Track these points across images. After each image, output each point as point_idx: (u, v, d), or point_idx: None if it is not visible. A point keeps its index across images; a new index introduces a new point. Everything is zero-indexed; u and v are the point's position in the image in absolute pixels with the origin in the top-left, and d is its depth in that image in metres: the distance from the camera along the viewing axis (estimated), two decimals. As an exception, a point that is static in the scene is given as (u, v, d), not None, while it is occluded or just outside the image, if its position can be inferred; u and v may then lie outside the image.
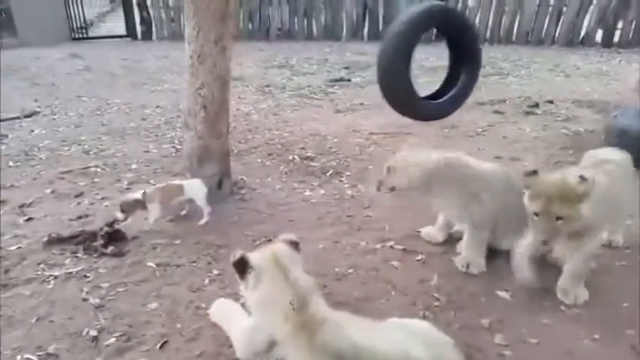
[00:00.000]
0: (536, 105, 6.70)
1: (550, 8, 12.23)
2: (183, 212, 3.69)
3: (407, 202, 3.64)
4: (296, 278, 1.96)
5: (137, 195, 3.41)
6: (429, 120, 4.80)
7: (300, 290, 1.92)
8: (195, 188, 3.57)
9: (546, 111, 6.50)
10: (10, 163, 4.78)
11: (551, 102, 6.86)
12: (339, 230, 3.50)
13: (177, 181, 3.67)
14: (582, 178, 2.34)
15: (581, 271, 2.67)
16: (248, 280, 2.02)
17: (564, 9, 12.07)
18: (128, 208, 3.36)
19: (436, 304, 2.66)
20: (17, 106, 6.89)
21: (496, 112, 6.53)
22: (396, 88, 4.22)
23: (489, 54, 11.21)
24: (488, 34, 12.92)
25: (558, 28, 12.28)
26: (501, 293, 2.74)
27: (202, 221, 3.56)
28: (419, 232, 3.40)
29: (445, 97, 4.52)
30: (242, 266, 2.01)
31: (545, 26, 12.39)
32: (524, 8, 12.42)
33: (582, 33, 12.13)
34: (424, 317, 2.51)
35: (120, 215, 3.33)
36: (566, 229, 2.42)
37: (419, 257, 3.12)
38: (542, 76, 8.91)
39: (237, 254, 2.03)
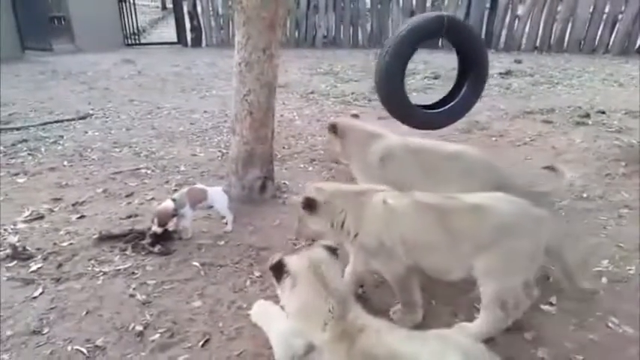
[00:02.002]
0: (587, 115, 6.50)
1: (604, 15, 11.84)
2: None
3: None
4: (335, 285, 1.96)
5: (168, 203, 3.43)
6: (425, 129, 4.76)
7: (339, 298, 1.92)
8: (217, 196, 3.62)
9: (598, 122, 6.28)
10: (65, 163, 5.00)
11: (603, 112, 6.63)
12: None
13: (201, 186, 3.73)
14: None
15: (398, 294, 2.58)
16: (284, 285, 2.02)
17: (620, 16, 11.67)
18: (163, 217, 3.37)
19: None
20: (73, 109, 7.21)
21: (545, 121, 6.37)
22: (389, 95, 4.24)
23: (539, 62, 10.96)
24: (538, 42, 12.63)
25: (613, 36, 11.88)
26: (545, 307, 2.68)
27: (228, 228, 3.62)
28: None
29: (444, 108, 4.48)
30: (279, 271, 2.02)
31: (599, 34, 12.02)
32: (577, 15, 12.08)
33: (638, 41, 11.69)
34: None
35: (157, 228, 3.34)
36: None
37: (460, 267, 3.08)
38: (594, 85, 8.63)
39: (274, 258, 2.03)
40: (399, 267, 2.49)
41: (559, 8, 12.27)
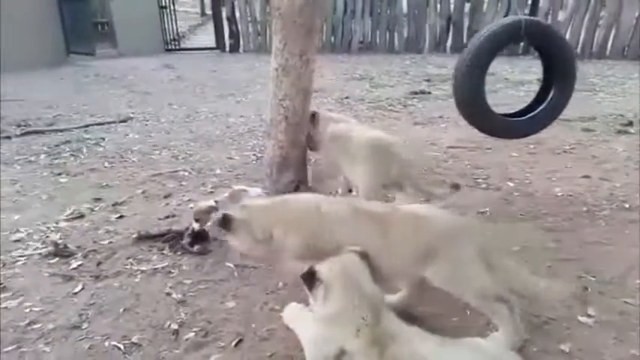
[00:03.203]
0: (630, 123, 6.30)
1: (650, 21, 11.50)
2: None
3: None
4: (367, 292, 1.95)
5: (210, 202, 3.51)
6: (508, 138, 4.67)
7: (372, 305, 1.92)
8: (257, 196, 3.67)
9: (641, 130, 6.10)
10: (106, 164, 5.15)
11: (646, 121, 6.43)
12: (414, 243, 3.46)
13: (242, 187, 3.77)
14: None
15: None
16: (317, 293, 2.03)
17: (667, 22, 11.32)
18: (202, 215, 3.43)
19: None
20: (114, 112, 7.43)
21: (585, 129, 6.21)
22: (469, 103, 4.16)
23: (580, 69, 10.65)
24: (579, 48, 12.34)
25: (659, 43, 11.51)
26: (583, 319, 2.61)
27: None
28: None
29: (527, 116, 4.37)
30: (311, 279, 2.02)
31: (645, 41, 11.66)
32: (621, 22, 11.75)
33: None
34: (499, 339, 2.43)
35: (195, 225, 3.41)
36: None
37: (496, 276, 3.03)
38: (638, 92, 8.36)
39: (305, 267, 2.03)
40: None
41: (602, 14, 11.95)
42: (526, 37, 4.03)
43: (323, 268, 2.05)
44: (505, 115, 4.42)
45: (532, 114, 4.35)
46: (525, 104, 4.57)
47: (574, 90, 4.33)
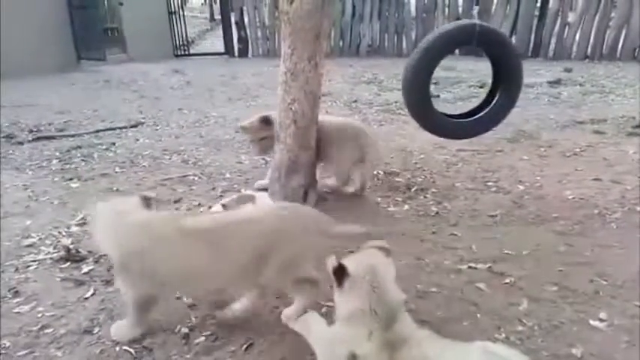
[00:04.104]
0: (641, 125, 6.26)
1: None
2: None
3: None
4: (386, 293, 1.93)
5: (217, 208, 3.49)
6: (454, 138, 4.75)
7: (388, 306, 1.91)
8: (264, 201, 3.66)
9: (653, 132, 6.05)
10: (117, 169, 5.18)
11: (658, 123, 6.38)
12: (423, 247, 3.45)
13: (249, 191, 3.79)
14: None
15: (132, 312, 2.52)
16: (344, 289, 2.01)
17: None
18: None
19: (523, 329, 2.56)
20: (124, 117, 7.48)
21: (596, 132, 6.17)
22: (415, 103, 4.27)
23: (590, 71, 10.65)
24: (589, 50, 12.26)
25: (671, 44, 11.42)
26: (595, 323, 2.59)
27: None
28: (508, 253, 3.30)
29: (475, 117, 4.43)
30: (341, 274, 1.99)
31: (656, 42, 11.56)
32: (631, 23, 11.66)
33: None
34: (510, 343, 2.42)
35: None
36: None
37: (507, 280, 3.00)
38: (649, 94, 8.31)
39: (334, 261, 2.01)
40: (143, 291, 2.46)
41: (612, 15, 11.87)
42: (477, 41, 4.09)
43: (351, 264, 2.02)
44: (450, 115, 4.51)
45: (479, 115, 4.43)
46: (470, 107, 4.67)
47: (518, 97, 4.39)
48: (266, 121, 4.29)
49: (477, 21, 4.12)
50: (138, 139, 6.35)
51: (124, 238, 2.41)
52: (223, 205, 3.49)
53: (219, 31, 16.34)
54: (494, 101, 4.37)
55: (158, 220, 2.48)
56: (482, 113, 4.41)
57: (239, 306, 2.62)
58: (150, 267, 2.36)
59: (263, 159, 5.43)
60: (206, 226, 2.40)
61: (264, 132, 4.32)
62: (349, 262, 2.03)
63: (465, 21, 4.25)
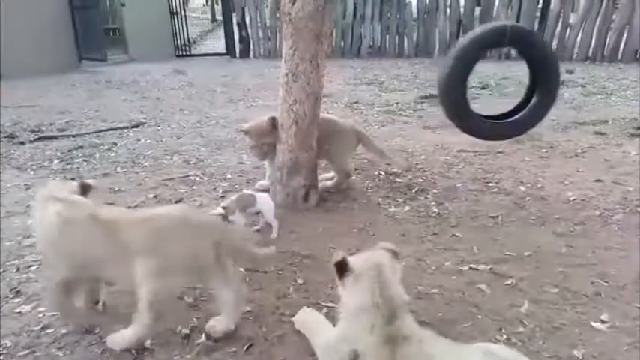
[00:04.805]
0: (643, 127, 6.25)
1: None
2: (256, 228, 3.77)
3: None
4: (390, 290, 1.95)
5: (219, 210, 3.51)
6: (492, 140, 4.76)
7: (392, 303, 1.91)
8: (264, 202, 3.68)
9: (654, 134, 6.04)
10: (118, 170, 5.19)
11: (660, 124, 6.37)
12: (423, 248, 3.45)
13: (249, 191, 3.80)
14: None
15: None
16: (346, 283, 2.03)
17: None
18: None
19: (524, 330, 2.55)
20: (126, 117, 7.49)
21: (597, 133, 6.17)
22: (452, 105, 4.27)
23: (591, 72, 10.64)
24: (590, 51, 12.26)
25: (672, 46, 11.41)
26: (596, 324, 2.59)
27: (273, 234, 3.64)
28: (509, 254, 3.30)
29: (512, 119, 4.44)
30: (342, 268, 2.02)
31: (657, 43, 11.55)
32: (633, 25, 11.65)
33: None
34: (511, 344, 2.42)
35: None
36: None
37: (509, 281, 3.00)
38: (650, 96, 8.30)
39: (339, 255, 2.04)
40: (59, 276, 2.53)
41: (613, 17, 11.87)
42: (510, 42, 4.09)
43: (355, 260, 2.05)
44: (487, 117, 4.51)
45: (516, 117, 4.44)
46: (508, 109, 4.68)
47: (557, 96, 4.41)
48: (274, 124, 4.13)
49: (508, 22, 4.13)
50: (139, 140, 6.36)
51: (43, 221, 2.50)
52: (224, 208, 3.50)
53: (221, 32, 16.36)
54: (532, 102, 4.38)
55: (74, 205, 2.53)
56: (520, 114, 4.42)
57: (219, 327, 2.53)
58: (63, 249, 2.46)
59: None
60: (114, 217, 2.47)
61: (268, 136, 4.18)
62: (357, 259, 2.06)
63: (497, 23, 4.25)
